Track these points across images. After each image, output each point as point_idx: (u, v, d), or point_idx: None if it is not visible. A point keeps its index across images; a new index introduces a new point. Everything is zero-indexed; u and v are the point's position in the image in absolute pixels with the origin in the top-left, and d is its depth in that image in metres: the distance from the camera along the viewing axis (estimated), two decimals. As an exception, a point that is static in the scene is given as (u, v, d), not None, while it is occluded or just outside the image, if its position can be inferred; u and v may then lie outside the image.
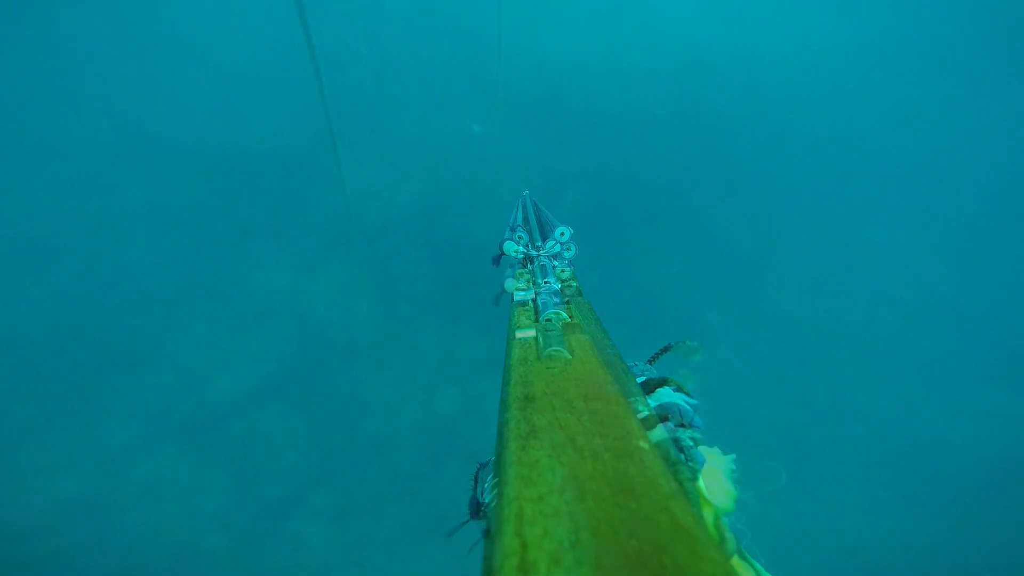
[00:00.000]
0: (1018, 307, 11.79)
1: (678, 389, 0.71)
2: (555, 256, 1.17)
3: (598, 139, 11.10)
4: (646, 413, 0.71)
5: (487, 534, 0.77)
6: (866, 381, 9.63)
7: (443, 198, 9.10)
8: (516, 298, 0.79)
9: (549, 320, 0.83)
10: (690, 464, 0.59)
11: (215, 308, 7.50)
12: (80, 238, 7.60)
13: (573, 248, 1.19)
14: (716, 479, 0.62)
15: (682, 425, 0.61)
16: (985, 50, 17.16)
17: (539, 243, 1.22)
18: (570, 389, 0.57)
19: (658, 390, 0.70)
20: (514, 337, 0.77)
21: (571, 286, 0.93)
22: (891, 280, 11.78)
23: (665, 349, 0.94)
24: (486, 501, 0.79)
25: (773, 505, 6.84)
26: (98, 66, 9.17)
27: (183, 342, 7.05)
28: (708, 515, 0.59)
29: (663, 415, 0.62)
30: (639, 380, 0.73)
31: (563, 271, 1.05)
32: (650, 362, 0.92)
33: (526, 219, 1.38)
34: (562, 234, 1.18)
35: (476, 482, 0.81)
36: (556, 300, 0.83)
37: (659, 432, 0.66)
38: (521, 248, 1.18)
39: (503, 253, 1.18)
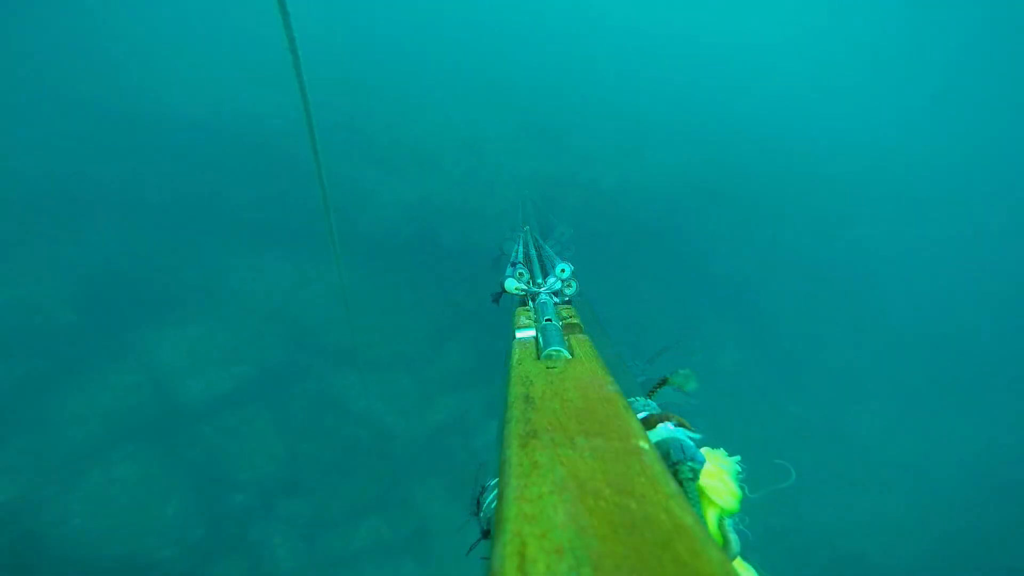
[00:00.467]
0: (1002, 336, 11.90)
1: (680, 424, 0.71)
2: (556, 293, 1.18)
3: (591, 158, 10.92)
4: (646, 413, 0.71)
5: (487, 534, 0.78)
6: (854, 403, 9.64)
7: (436, 204, 8.92)
8: (518, 336, 0.80)
9: (550, 320, 0.83)
10: (690, 464, 0.59)
11: (195, 306, 7.04)
12: (46, 226, 7.02)
13: (575, 285, 1.20)
14: (722, 480, 0.61)
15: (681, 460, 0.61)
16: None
17: (540, 280, 1.22)
18: (570, 389, 0.57)
19: (659, 426, 0.70)
20: (514, 337, 0.78)
21: (573, 323, 0.94)
22: (883, 308, 11.80)
23: (663, 382, 0.95)
24: (487, 502, 0.79)
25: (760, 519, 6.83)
26: (76, 50, 8.70)
27: (156, 341, 6.53)
28: (713, 516, 0.59)
29: (664, 452, 0.62)
30: (640, 416, 0.73)
31: (564, 308, 1.06)
32: (650, 396, 0.92)
33: (527, 256, 1.39)
34: (563, 271, 1.19)
35: (481, 490, 0.82)
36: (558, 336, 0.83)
37: (659, 432, 0.66)
38: (522, 285, 1.18)
39: (504, 291, 1.18)
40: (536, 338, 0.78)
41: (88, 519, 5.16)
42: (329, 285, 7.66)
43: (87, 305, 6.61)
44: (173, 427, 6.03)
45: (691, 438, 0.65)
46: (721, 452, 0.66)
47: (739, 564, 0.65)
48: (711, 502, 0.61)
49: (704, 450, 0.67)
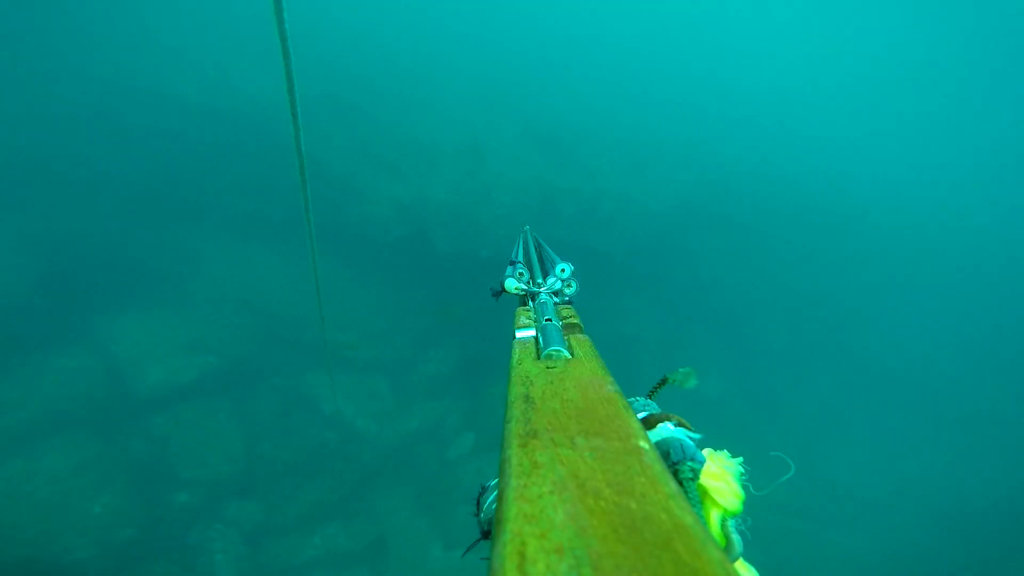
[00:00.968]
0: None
1: (680, 424, 0.72)
2: (556, 293, 1.17)
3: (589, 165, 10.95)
4: (646, 413, 0.72)
5: (487, 535, 0.77)
6: (826, 439, 9.76)
7: (431, 205, 8.70)
8: (518, 336, 0.81)
9: (549, 320, 0.84)
10: (691, 464, 0.60)
11: (165, 291, 6.63)
12: (8, 198, 6.65)
13: (575, 285, 1.20)
14: (725, 481, 0.62)
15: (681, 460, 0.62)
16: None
17: (540, 280, 1.22)
18: (570, 389, 0.57)
19: (659, 426, 0.71)
20: (514, 337, 0.78)
21: (573, 323, 0.94)
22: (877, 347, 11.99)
23: (663, 382, 0.96)
24: (487, 502, 0.80)
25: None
26: (49, 26, 8.17)
27: (117, 325, 6.09)
28: (716, 517, 0.59)
29: (664, 452, 0.63)
30: (640, 416, 0.74)
31: (564, 307, 1.06)
32: (650, 396, 0.93)
33: (527, 255, 1.39)
34: (563, 270, 1.19)
35: (481, 491, 0.82)
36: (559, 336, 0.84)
37: (659, 432, 0.66)
38: (522, 285, 1.17)
39: (504, 290, 1.18)
40: (536, 338, 0.78)
41: (-2, 515, 4.46)
42: (309, 280, 7.57)
43: (43, 281, 6.17)
44: (120, 417, 5.54)
45: (691, 438, 0.66)
46: (724, 453, 0.67)
47: (741, 565, 0.65)
48: (714, 503, 0.61)
49: (706, 451, 0.67)
